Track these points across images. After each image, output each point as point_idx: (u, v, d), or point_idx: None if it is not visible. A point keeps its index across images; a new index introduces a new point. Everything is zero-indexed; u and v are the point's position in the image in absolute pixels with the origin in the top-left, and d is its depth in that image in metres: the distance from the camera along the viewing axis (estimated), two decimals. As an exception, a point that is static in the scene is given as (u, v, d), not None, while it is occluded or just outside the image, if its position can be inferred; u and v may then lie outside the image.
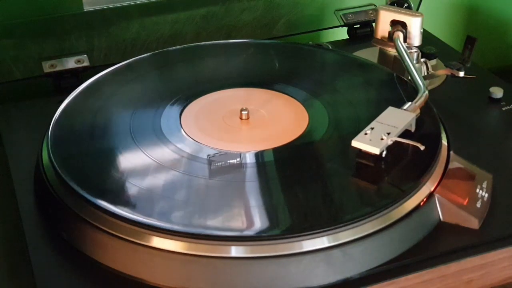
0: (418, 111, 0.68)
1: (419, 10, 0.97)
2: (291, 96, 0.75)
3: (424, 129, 0.68)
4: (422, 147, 0.62)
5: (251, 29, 0.96)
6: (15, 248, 0.67)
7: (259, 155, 0.65)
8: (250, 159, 0.65)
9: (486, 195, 0.62)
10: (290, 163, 0.64)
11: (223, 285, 0.54)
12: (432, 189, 0.61)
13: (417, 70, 0.75)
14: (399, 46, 0.79)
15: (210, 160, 0.64)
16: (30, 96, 0.81)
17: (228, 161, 0.64)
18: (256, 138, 0.68)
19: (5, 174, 0.69)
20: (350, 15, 0.95)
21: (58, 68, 0.81)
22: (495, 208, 0.62)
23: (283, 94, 0.76)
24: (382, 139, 0.63)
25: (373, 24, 0.89)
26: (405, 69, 0.77)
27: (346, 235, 0.56)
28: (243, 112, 0.71)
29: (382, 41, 0.84)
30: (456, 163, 0.65)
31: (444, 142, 0.67)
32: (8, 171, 0.68)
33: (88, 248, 0.57)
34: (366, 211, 0.57)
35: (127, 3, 0.87)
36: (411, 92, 0.72)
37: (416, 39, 0.81)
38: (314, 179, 0.62)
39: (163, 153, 0.65)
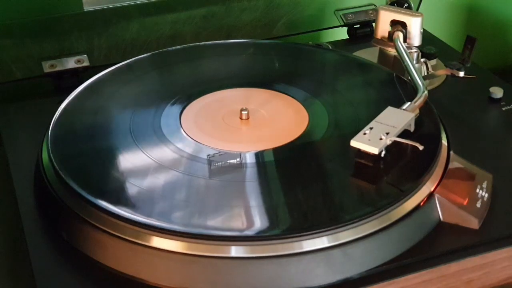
0: (417, 111, 0.68)
1: (419, 10, 0.97)
2: (291, 96, 0.75)
3: (424, 129, 0.68)
4: (421, 147, 0.62)
5: (251, 29, 0.96)
6: (15, 248, 0.67)
7: (259, 155, 0.65)
8: (250, 159, 0.65)
9: (486, 195, 0.62)
10: (290, 163, 0.64)
11: (223, 285, 0.54)
12: (432, 189, 0.61)
13: (416, 70, 0.75)
14: (399, 46, 0.79)
15: (210, 160, 0.64)
16: (30, 96, 0.81)
17: (228, 161, 0.64)
18: (256, 138, 0.68)
19: (5, 174, 0.69)
20: (350, 15, 0.95)
21: (58, 68, 0.81)
22: (495, 208, 0.62)
23: (283, 94, 0.76)
24: (381, 139, 0.63)
25: (373, 24, 0.89)
26: (404, 69, 0.77)
27: (346, 235, 0.56)
28: (243, 112, 0.71)
29: (382, 41, 0.84)
30: (456, 163, 0.65)
31: (444, 142, 0.67)
32: (8, 171, 0.68)
33: (88, 248, 0.57)
34: (366, 211, 0.57)
35: (127, 3, 0.87)
36: (411, 92, 0.72)
37: (416, 39, 0.81)
38: (314, 179, 0.62)
39: (163, 153, 0.65)
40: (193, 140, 0.67)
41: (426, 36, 0.85)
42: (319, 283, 0.55)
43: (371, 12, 0.96)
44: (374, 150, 0.62)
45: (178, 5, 0.91)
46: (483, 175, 0.64)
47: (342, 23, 0.95)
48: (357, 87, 0.78)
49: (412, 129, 0.66)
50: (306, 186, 0.61)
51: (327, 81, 0.80)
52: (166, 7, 0.90)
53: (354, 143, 0.63)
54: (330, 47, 0.89)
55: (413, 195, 0.60)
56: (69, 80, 0.81)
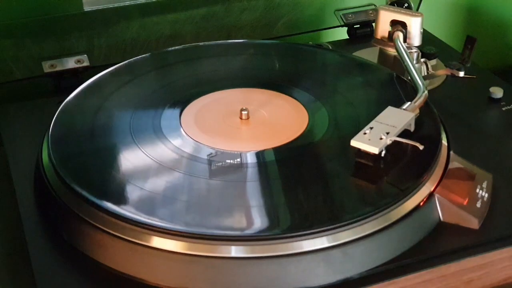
0: (418, 110, 0.68)
1: (419, 10, 0.97)
2: (291, 96, 0.75)
3: (424, 129, 0.68)
4: (421, 147, 0.62)
5: (251, 29, 0.96)
6: (15, 248, 0.67)
7: (259, 155, 0.65)
8: (250, 159, 0.65)
9: (486, 195, 0.62)
10: (290, 163, 0.64)
11: (223, 285, 0.54)
12: (432, 189, 0.61)
13: (416, 70, 0.75)
14: (399, 46, 0.79)
15: (210, 160, 0.64)
16: (30, 96, 0.81)
17: (228, 161, 0.64)
18: (256, 138, 0.68)
19: (5, 174, 0.69)
20: (350, 15, 0.95)
21: (58, 68, 0.81)
22: (495, 208, 0.62)
23: (283, 94, 0.75)
24: (381, 138, 0.63)
25: (373, 24, 0.89)
26: (404, 69, 0.77)
27: (346, 235, 0.56)
28: (243, 112, 0.71)
29: (382, 41, 0.84)
30: (456, 163, 0.65)
31: (444, 142, 0.67)
32: (8, 171, 0.68)
33: (88, 248, 0.57)
34: (366, 211, 0.57)
35: (127, 3, 0.87)
36: (411, 92, 0.72)
37: (416, 39, 0.81)
38: (314, 179, 0.62)
39: (163, 153, 0.65)
40: (193, 140, 0.67)
41: (426, 36, 0.85)
42: (319, 283, 0.55)
43: (371, 12, 0.96)
44: (374, 150, 0.62)
45: (178, 5, 0.91)
46: (483, 175, 0.64)
47: (342, 23, 0.95)
48: (357, 87, 0.78)
49: (412, 129, 0.66)
50: (306, 186, 0.61)
51: (327, 81, 0.80)
52: (166, 7, 0.90)
53: (354, 142, 0.63)
54: (330, 47, 0.89)
55: (413, 195, 0.60)
56: (69, 80, 0.81)
